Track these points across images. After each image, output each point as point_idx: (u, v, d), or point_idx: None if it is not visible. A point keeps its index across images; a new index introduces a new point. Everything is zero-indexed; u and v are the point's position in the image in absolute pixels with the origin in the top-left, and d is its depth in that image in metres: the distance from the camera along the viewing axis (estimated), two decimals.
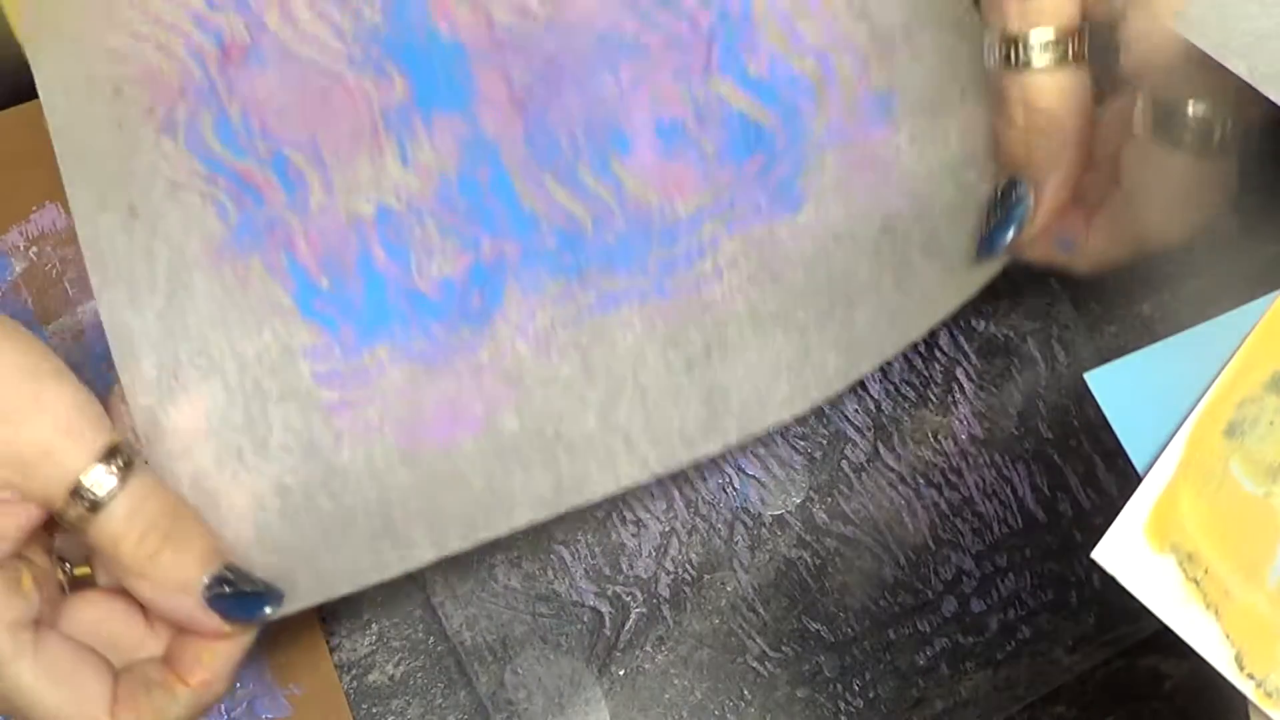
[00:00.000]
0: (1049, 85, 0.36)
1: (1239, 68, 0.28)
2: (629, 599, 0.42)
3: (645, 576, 0.42)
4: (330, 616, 0.43)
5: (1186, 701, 0.42)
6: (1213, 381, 0.28)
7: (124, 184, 0.40)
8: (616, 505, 0.43)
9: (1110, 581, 0.27)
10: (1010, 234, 0.38)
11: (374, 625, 0.43)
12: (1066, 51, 0.36)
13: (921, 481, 0.43)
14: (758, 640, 0.42)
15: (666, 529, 0.43)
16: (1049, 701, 0.42)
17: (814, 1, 0.42)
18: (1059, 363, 0.44)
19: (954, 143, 0.41)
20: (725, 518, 0.43)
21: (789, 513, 0.42)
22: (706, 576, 0.42)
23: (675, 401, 0.39)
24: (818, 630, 0.42)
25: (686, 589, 0.42)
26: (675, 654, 0.42)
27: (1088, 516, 0.43)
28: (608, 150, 0.41)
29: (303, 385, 0.39)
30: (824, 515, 0.43)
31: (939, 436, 0.43)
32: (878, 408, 0.44)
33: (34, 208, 0.45)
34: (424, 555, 0.38)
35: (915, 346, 0.45)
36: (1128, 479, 0.35)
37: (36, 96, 0.48)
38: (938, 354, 0.44)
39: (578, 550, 0.43)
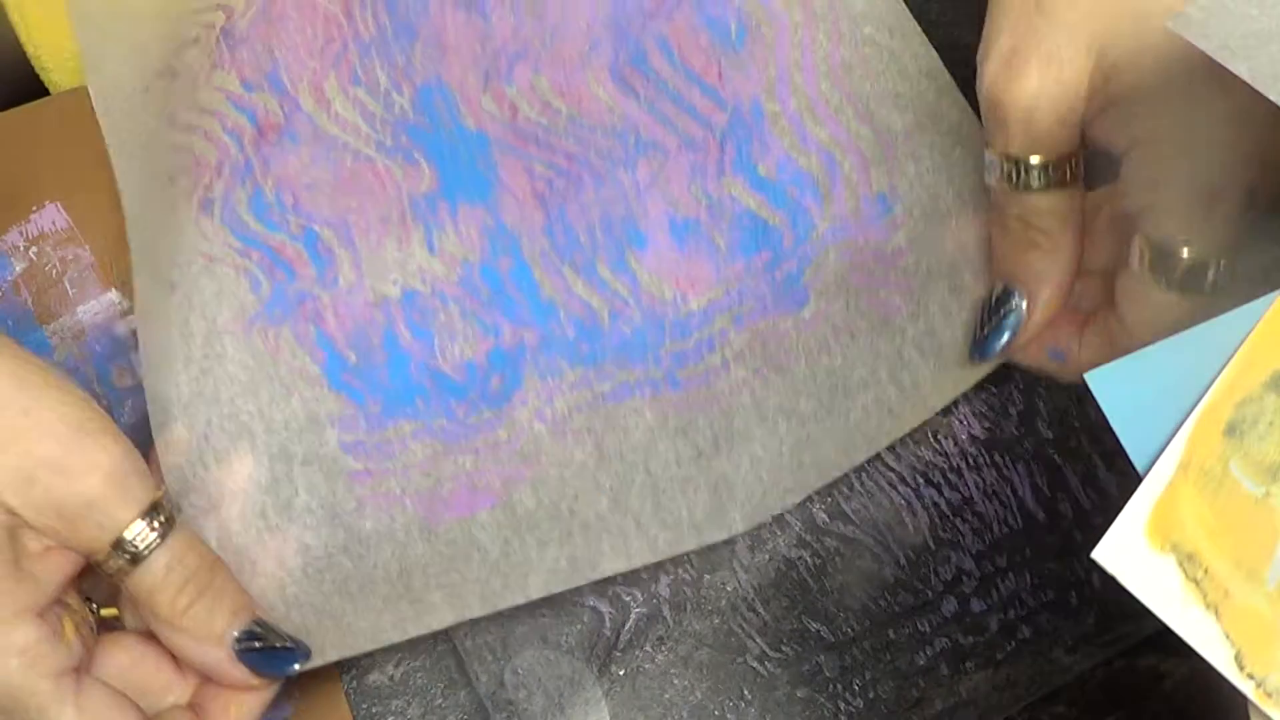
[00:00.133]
0: (1046, 205, 0.38)
1: (1239, 69, 0.28)
2: (629, 599, 0.42)
3: (645, 576, 0.42)
4: None
5: (1186, 701, 0.42)
6: (1212, 381, 0.28)
7: (169, 262, 0.42)
8: None
9: (1110, 581, 0.27)
10: (1003, 340, 0.40)
11: None
12: (1065, 175, 0.37)
13: (921, 481, 0.43)
14: (758, 640, 0.42)
15: None
16: (1049, 701, 0.42)
17: (821, 103, 0.45)
18: None
19: (950, 245, 0.43)
20: None
21: (789, 513, 0.42)
22: (706, 576, 0.42)
23: (684, 490, 0.41)
24: (818, 630, 0.42)
25: (686, 589, 0.42)
26: (675, 654, 0.42)
27: (1088, 516, 0.43)
28: (624, 246, 0.43)
29: (328, 452, 0.41)
30: (824, 515, 0.43)
31: (939, 436, 0.43)
32: None
33: (34, 208, 0.45)
34: (444, 618, 0.40)
35: None
36: (1128, 479, 0.35)
37: (37, 97, 0.48)
38: None
39: None
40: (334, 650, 0.39)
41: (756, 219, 0.43)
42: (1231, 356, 0.28)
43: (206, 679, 0.37)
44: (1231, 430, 0.28)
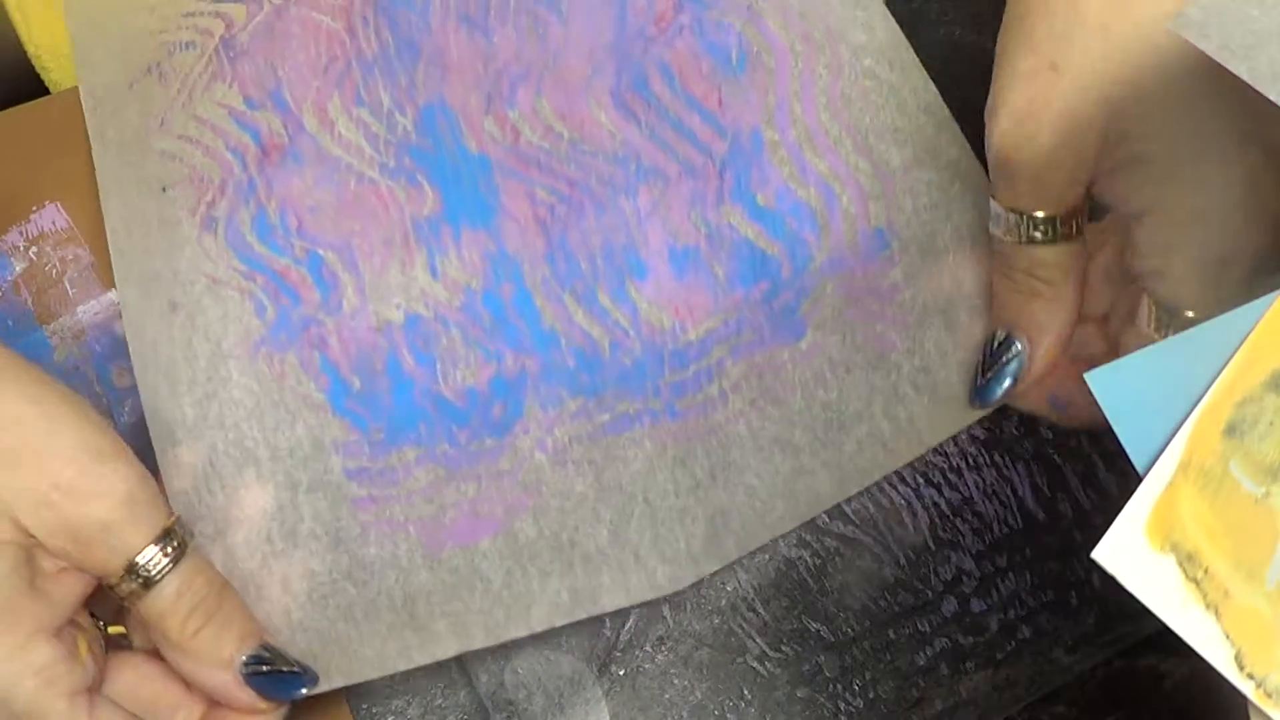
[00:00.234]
0: (1051, 257, 0.38)
1: (1239, 69, 0.28)
2: None
3: None
4: None
5: (1186, 701, 0.42)
6: (1212, 381, 0.28)
7: (167, 279, 0.43)
8: None
9: (1110, 581, 0.27)
10: (1004, 387, 0.40)
11: None
12: (1071, 229, 0.38)
13: (921, 481, 0.43)
14: (758, 640, 0.42)
15: None
16: (1049, 701, 0.42)
17: (820, 134, 0.45)
18: None
19: (946, 282, 0.43)
20: None
21: None
22: (706, 576, 0.42)
23: (681, 521, 0.41)
24: (818, 630, 0.42)
25: (686, 589, 0.42)
26: (675, 654, 0.42)
27: (1088, 516, 0.43)
28: (625, 274, 0.43)
29: (333, 479, 0.41)
30: (824, 515, 0.43)
31: None
32: None
33: (34, 208, 0.45)
34: (448, 648, 0.40)
35: None
36: (1128, 479, 0.35)
37: (36, 96, 0.48)
38: None
39: None
40: (340, 676, 0.39)
41: (755, 249, 0.43)
42: (1231, 356, 0.28)
43: (215, 702, 0.37)
44: (1231, 430, 0.27)
